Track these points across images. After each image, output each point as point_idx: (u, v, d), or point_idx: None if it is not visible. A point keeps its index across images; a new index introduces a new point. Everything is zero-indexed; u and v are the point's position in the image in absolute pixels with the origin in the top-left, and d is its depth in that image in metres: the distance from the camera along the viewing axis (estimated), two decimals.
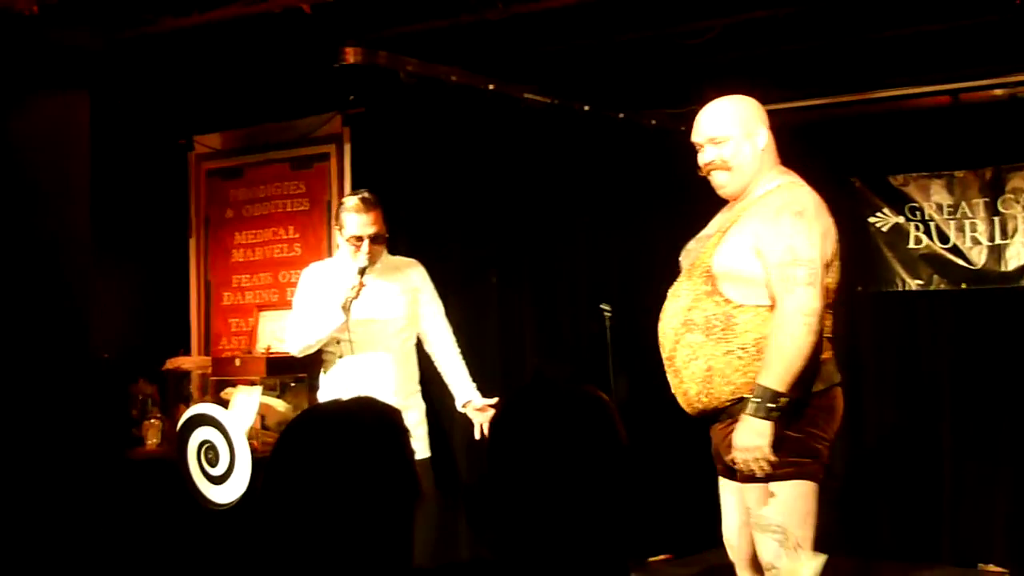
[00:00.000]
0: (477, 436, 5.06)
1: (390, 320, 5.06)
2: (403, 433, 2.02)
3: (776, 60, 6.17)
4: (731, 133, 3.97)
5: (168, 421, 5.96)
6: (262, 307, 6.39)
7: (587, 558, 1.83)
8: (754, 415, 3.66)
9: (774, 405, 3.65)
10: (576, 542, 1.83)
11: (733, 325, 3.79)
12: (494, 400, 4.99)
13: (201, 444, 5.33)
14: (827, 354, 3.84)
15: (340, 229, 5.05)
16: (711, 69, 6.29)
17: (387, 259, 5.14)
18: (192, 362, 6.40)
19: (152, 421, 6.01)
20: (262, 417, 5.67)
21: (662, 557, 6.90)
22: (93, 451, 5.46)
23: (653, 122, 6.93)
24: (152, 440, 5.97)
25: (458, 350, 5.24)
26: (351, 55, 5.59)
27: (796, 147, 6.98)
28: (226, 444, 5.26)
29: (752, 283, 3.79)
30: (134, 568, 5.43)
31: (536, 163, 6.46)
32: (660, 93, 6.81)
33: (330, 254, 6.12)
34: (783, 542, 3.78)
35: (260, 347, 6.10)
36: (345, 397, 2.07)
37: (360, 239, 4.97)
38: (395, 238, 5.18)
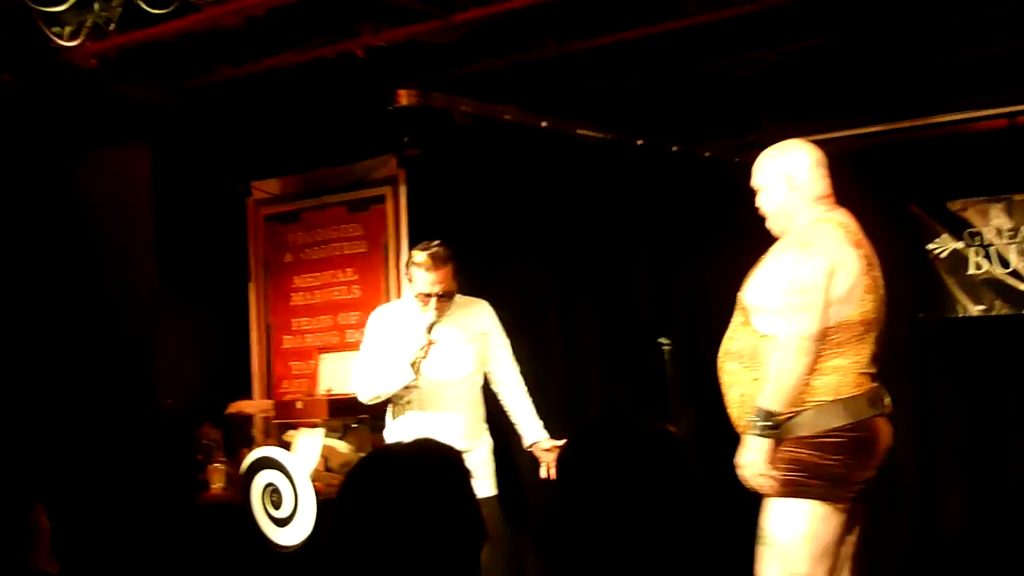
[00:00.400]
0: (543, 475, 5.03)
1: (460, 379, 5.07)
2: (465, 475, 2.03)
3: (830, 88, 6.15)
4: (761, 183, 4.22)
5: (232, 465, 5.99)
6: (322, 349, 6.42)
7: None
8: (750, 433, 3.93)
9: (768, 423, 3.90)
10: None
11: (759, 354, 3.99)
12: (561, 441, 4.93)
13: (265, 487, 5.36)
14: (859, 389, 3.96)
15: (409, 280, 5.03)
16: (766, 99, 6.29)
17: (456, 301, 5.09)
18: (254, 406, 6.43)
19: (217, 465, 6.04)
20: (325, 459, 5.69)
21: None
22: (161, 497, 5.51)
23: (708, 153, 6.92)
24: (217, 484, 6.00)
25: (525, 390, 5.21)
26: (405, 97, 5.63)
27: (852, 174, 6.92)
28: (290, 486, 5.28)
29: (771, 313, 4.00)
30: None
31: (593, 198, 6.47)
32: (715, 125, 6.81)
33: (388, 296, 6.15)
34: (774, 556, 3.96)
35: (321, 389, 6.12)
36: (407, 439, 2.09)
37: (429, 296, 4.94)
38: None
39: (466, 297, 5.16)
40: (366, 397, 5.11)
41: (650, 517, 1.82)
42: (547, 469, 5.02)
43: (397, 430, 5.09)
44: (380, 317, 5.20)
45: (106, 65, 5.04)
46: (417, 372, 4.89)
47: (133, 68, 5.27)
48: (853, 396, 3.93)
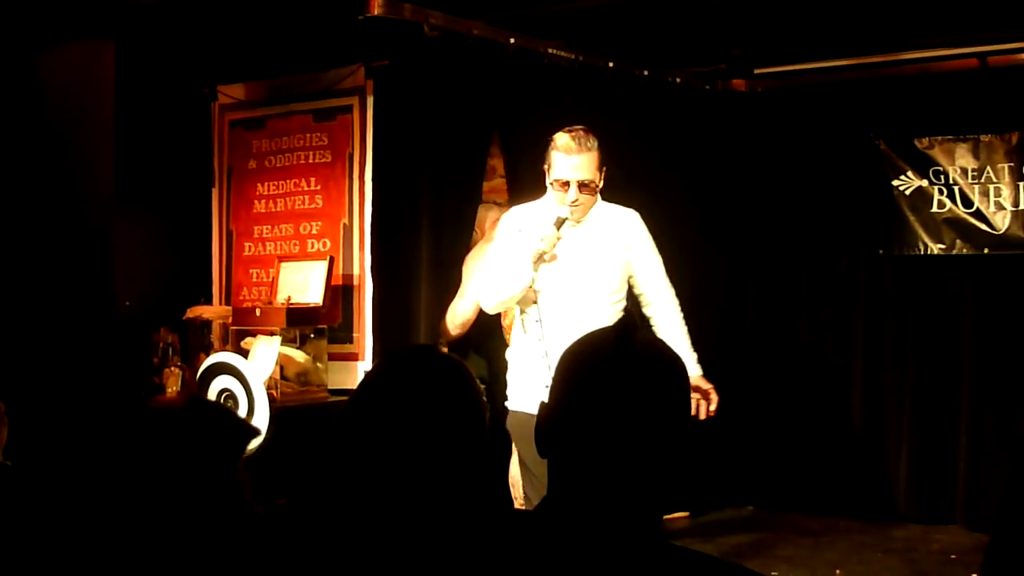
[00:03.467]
0: (693, 413, 4.34)
1: (597, 297, 4.44)
2: (475, 387, 2.00)
3: (803, 20, 6.12)
4: None
5: (188, 369, 6.01)
6: (283, 258, 6.40)
7: (631, 508, 1.78)
8: None
9: None
10: (629, 489, 1.78)
11: None
12: (709, 386, 4.53)
13: (220, 392, 5.38)
14: None
15: (547, 169, 4.46)
16: (737, 29, 6.25)
17: (600, 208, 4.55)
18: (213, 311, 6.42)
19: (173, 369, 6.05)
20: (281, 367, 5.70)
21: (679, 515, 6.92)
22: (114, 398, 5.51)
23: (677, 80, 6.89)
24: (172, 388, 6.02)
25: (680, 317, 4.64)
26: (376, 6, 5.55)
27: (821, 108, 6.99)
28: (245, 393, 5.30)
29: None
30: (152, 514, 5.48)
31: (559, 119, 6.42)
32: (685, 52, 6.76)
33: (350, 206, 6.13)
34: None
35: (280, 298, 6.12)
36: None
37: (567, 184, 4.38)
38: (418, 196, 5.09)
39: (613, 205, 4.63)
40: (488, 305, 4.61)
41: (647, 434, 1.78)
42: (695, 406, 4.41)
43: (521, 348, 4.56)
44: (513, 219, 4.59)
45: None
46: (536, 268, 4.36)
47: None
48: None
